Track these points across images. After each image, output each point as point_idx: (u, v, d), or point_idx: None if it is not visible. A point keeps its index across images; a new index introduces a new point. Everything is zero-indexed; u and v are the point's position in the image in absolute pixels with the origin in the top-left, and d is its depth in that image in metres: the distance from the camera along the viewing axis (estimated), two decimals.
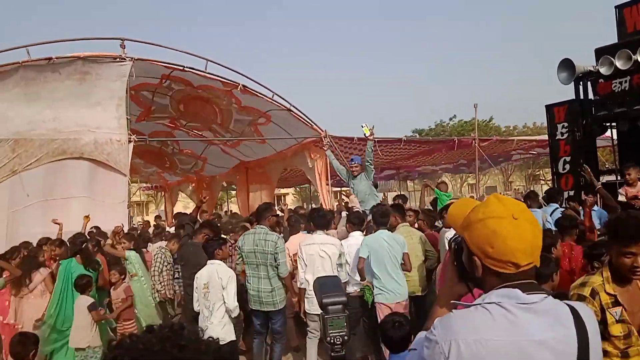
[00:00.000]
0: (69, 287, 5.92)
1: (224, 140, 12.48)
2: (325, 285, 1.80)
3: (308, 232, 6.20)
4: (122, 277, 6.25)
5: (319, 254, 5.39)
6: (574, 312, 1.37)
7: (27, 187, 7.94)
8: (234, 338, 5.01)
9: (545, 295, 1.38)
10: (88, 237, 7.14)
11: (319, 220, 5.68)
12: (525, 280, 1.39)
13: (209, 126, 12.36)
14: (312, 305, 5.28)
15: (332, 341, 1.73)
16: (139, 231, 10.69)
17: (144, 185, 25.34)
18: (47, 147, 8.06)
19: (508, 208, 1.43)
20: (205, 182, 17.54)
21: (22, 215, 7.92)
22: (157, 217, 17.71)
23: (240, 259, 5.78)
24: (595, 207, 8.41)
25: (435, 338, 1.36)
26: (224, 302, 4.86)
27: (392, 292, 5.29)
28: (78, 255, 6.21)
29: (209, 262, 5.02)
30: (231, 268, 6.36)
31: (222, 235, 6.03)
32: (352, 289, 5.66)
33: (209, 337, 1.04)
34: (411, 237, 5.91)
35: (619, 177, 9.19)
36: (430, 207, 9.18)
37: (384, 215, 5.68)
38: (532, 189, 32.91)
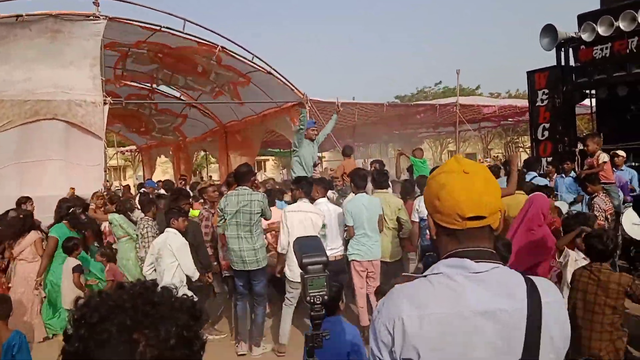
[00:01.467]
0: (60, 252, 6.01)
1: (202, 103, 12.28)
2: (306, 246, 1.77)
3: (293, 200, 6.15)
4: (105, 259, 6.17)
5: (303, 222, 5.39)
6: (530, 285, 1.30)
7: (0, 149, 7.72)
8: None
9: (496, 265, 1.32)
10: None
11: (306, 187, 5.66)
12: (476, 246, 1.34)
13: (187, 79, 12.06)
14: (293, 273, 5.32)
15: (312, 301, 1.70)
16: (120, 196, 10.45)
17: (122, 148, 24.97)
18: (19, 108, 7.82)
19: (461, 164, 1.40)
20: (183, 145, 17.31)
21: None
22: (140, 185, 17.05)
23: (222, 220, 5.71)
24: (572, 173, 8.56)
25: (379, 319, 1.34)
26: (177, 269, 5.03)
27: (367, 251, 5.64)
28: (65, 221, 6.24)
29: (165, 229, 5.22)
30: (210, 230, 6.43)
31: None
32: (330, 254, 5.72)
33: (184, 295, 1.00)
34: (388, 205, 5.95)
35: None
36: (407, 175, 9.19)
37: (363, 179, 5.90)
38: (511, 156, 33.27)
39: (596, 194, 6.30)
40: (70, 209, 6.53)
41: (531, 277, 1.34)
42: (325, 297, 1.75)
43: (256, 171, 13.12)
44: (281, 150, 21.46)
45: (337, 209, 6.00)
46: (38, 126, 7.96)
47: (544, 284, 1.33)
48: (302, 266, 1.73)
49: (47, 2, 7.99)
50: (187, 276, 5.13)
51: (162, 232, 5.57)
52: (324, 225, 5.53)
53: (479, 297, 1.26)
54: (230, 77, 10.95)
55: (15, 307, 4.55)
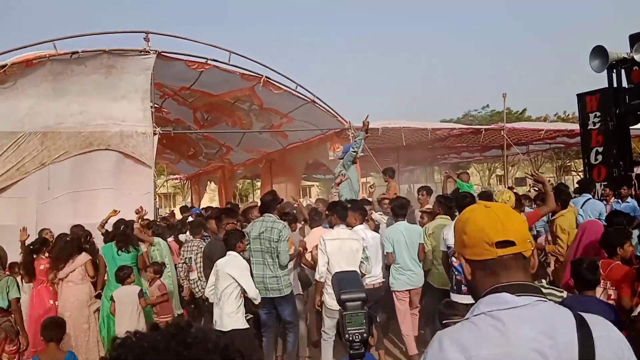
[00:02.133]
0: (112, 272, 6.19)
1: (246, 131, 12.53)
2: (344, 281, 1.74)
3: (329, 226, 6.12)
4: (158, 275, 6.33)
5: (342, 249, 5.32)
6: (579, 319, 1.26)
7: (55, 179, 8.07)
8: (243, 327, 5.02)
9: (540, 298, 1.29)
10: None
11: (341, 212, 5.60)
12: (514, 280, 1.32)
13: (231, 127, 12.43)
14: (333, 300, 5.25)
15: (350, 338, 1.67)
16: (168, 222, 10.73)
17: (171, 176, 25.70)
18: (75, 139, 8.18)
19: (481, 203, 1.47)
20: (228, 172, 17.63)
21: (51, 207, 8.05)
22: (184, 208, 17.57)
23: (248, 245, 5.73)
24: (629, 200, 8.19)
25: None
26: (240, 292, 4.99)
27: (407, 281, 5.70)
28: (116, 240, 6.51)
29: (227, 252, 5.18)
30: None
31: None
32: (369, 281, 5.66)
33: (217, 335, 1.01)
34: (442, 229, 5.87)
35: None
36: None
37: (402, 207, 5.93)
38: (562, 180, 32.28)
39: None
40: (121, 227, 6.85)
41: (580, 312, 1.30)
42: (365, 335, 1.72)
43: (301, 197, 13.16)
44: (325, 176, 21.55)
45: (375, 235, 5.94)
46: (91, 156, 8.30)
47: (593, 319, 1.29)
48: (341, 302, 1.70)
49: (100, 38, 8.39)
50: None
51: (212, 252, 5.61)
52: (364, 250, 5.44)
53: (526, 335, 1.22)
54: (271, 121, 11.16)
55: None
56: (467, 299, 5.31)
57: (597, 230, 5.13)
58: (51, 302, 6.33)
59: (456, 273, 5.47)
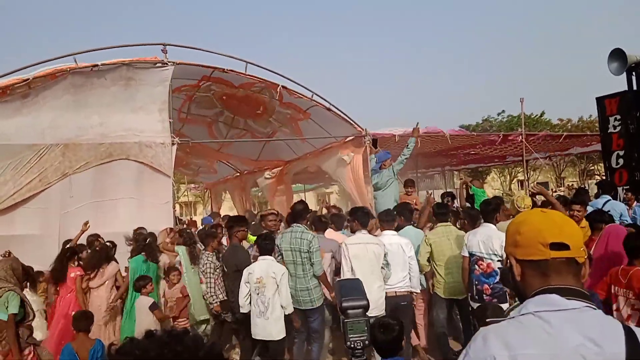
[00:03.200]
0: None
1: (265, 140, 12.58)
2: (345, 288, 1.77)
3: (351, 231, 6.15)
4: (178, 279, 6.47)
5: (366, 254, 5.35)
6: (628, 330, 1.25)
7: (77, 189, 8.24)
8: (284, 335, 5.08)
9: (589, 305, 1.29)
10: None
11: (363, 218, 5.63)
12: (564, 284, 1.33)
13: (247, 121, 12.41)
14: None
15: (352, 346, 1.70)
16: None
17: (192, 185, 25.94)
18: (95, 150, 8.35)
19: (540, 208, 1.49)
20: (243, 180, 17.75)
21: (73, 217, 8.21)
22: (215, 214, 17.61)
23: (280, 257, 5.78)
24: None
25: (469, 358, 1.33)
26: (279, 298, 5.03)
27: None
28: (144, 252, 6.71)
29: (260, 257, 5.18)
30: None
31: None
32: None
33: (212, 343, 1.04)
34: (447, 237, 5.81)
35: None
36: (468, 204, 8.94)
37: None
38: (586, 185, 31.71)
39: None
40: (147, 239, 7.07)
41: (629, 325, 1.30)
42: (367, 342, 1.74)
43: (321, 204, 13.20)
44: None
45: (402, 240, 5.88)
46: (111, 167, 8.45)
47: None
48: (342, 310, 1.73)
49: (119, 51, 8.57)
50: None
51: (239, 260, 5.63)
52: (386, 254, 5.43)
53: (574, 339, 1.23)
54: (291, 114, 11.19)
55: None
56: None
57: (621, 235, 5.05)
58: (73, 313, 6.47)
59: (476, 282, 5.41)
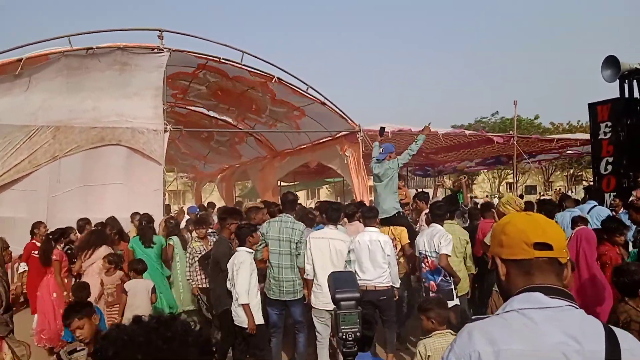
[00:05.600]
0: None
1: (259, 131, 12.56)
2: (339, 280, 1.77)
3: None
4: (113, 266, 6.24)
5: (328, 248, 5.36)
6: (608, 330, 1.29)
7: (66, 173, 8.18)
8: (261, 322, 5.04)
9: (571, 304, 1.33)
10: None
11: (331, 213, 5.63)
12: (548, 283, 1.36)
13: (244, 115, 12.40)
14: (318, 300, 5.26)
15: (344, 337, 1.70)
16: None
17: (181, 174, 25.86)
18: (87, 134, 8.29)
19: (525, 212, 1.54)
20: (231, 172, 17.81)
21: (61, 201, 8.16)
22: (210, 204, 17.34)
23: (263, 245, 5.73)
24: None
25: (452, 355, 1.35)
26: (258, 287, 5.04)
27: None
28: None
29: (238, 247, 5.15)
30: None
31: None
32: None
33: (201, 329, 1.04)
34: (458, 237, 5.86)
35: None
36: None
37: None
38: (573, 190, 32.02)
39: None
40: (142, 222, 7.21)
41: (609, 325, 1.33)
42: (358, 334, 1.75)
43: (309, 198, 13.25)
44: (334, 179, 21.61)
45: (381, 237, 5.82)
46: (102, 151, 8.40)
47: (622, 333, 1.31)
48: (335, 301, 1.73)
49: (114, 35, 8.48)
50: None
51: (219, 255, 5.61)
52: (349, 251, 5.42)
53: (555, 336, 1.26)
54: (285, 112, 11.19)
55: None
56: None
57: (592, 237, 5.19)
58: (54, 294, 6.44)
59: (424, 279, 5.51)
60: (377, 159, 7.49)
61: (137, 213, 7.80)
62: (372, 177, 8.15)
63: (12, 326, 4.96)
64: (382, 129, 9.10)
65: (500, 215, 5.77)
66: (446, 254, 5.28)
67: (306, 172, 17.50)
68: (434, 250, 5.40)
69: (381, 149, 7.61)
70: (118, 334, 0.97)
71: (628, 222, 7.75)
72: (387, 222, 6.75)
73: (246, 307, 4.90)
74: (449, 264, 5.31)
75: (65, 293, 6.43)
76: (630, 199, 7.72)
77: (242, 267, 4.93)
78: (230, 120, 13.66)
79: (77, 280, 6.45)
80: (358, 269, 5.47)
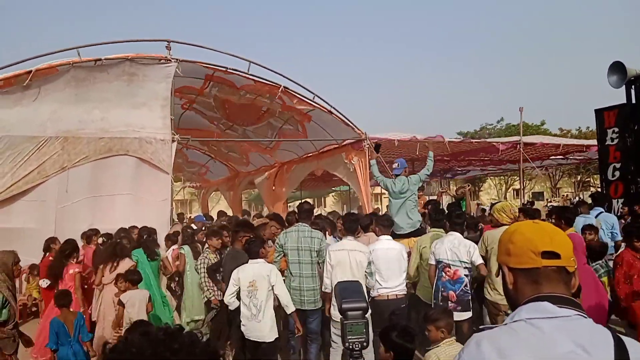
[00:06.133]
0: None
1: (263, 140, 12.60)
2: (346, 290, 1.80)
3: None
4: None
5: (349, 261, 5.33)
6: (617, 339, 1.28)
7: (74, 183, 8.23)
8: (277, 336, 5.07)
9: (579, 313, 1.32)
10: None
11: (350, 225, 5.64)
12: (555, 292, 1.36)
13: (246, 129, 12.48)
14: (336, 311, 5.24)
15: (350, 347, 1.72)
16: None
17: (189, 184, 25.99)
18: (95, 145, 8.35)
19: (532, 220, 1.52)
20: (237, 180, 17.85)
21: (69, 212, 8.21)
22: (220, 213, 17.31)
23: (280, 256, 5.72)
24: None
25: None
26: (275, 299, 4.99)
27: None
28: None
29: (251, 260, 5.09)
30: None
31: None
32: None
33: (208, 340, 1.05)
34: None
35: None
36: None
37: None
38: (581, 196, 31.84)
39: None
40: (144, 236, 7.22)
41: (618, 334, 1.32)
42: (365, 344, 1.77)
43: (316, 207, 13.27)
44: (341, 187, 21.65)
45: (398, 246, 5.86)
46: (110, 162, 8.46)
47: (631, 341, 1.30)
48: (342, 312, 1.76)
49: (122, 46, 8.57)
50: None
51: (239, 264, 5.61)
52: (370, 263, 5.43)
53: (564, 346, 1.25)
54: (292, 115, 11.23)
55: (106, 335, 5.68)
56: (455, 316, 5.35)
57: (580, 242, 5.23)
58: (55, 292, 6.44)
59: (442, 289, 5.45)
60: (395, 174, 7.63)
61: (135, 227, 7.81)
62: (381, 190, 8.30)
63: (19, 342, 4.99)
64: (378, 145, 9.19)
65: (495, 221, 5.77)
66: (483, 263, 5.28)
67: (312, 180, 17.52)
68: (459, 260, 5.33)
69: (396, 164, 7.77)
70: (125, 347, 0.98)
71: None
72: (416, 234, 6.88)
73: (294, 315, 5.09)
74: (487, 271, 5.33)
75: (82, 309, 6.39)
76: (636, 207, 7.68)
77: (278, 278, 4.99)
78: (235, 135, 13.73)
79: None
80: (379, 278, 5.50)
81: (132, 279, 5.94)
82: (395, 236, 6.55)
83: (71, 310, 5.40)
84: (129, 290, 5.86)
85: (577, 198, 31.23)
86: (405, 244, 6.31)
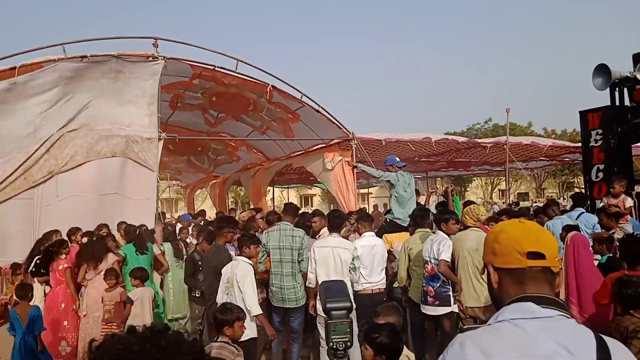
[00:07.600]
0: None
1: (252, 139, 12.56)
2: (330, 290, 1.80)
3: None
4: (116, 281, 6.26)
5: (332, 257, 5.37)
6: (599, 340, 1.29)
7: (61, 183, 8.12)
8: (255, 335, 5.00)
9: (563, 314, 1.34)
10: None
11: (334, 221, 5.67)
12: (540, 293, 1.37)
13: (239, 117, 12.41)
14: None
15: (334, 347, 1.73)
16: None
17: (174, 182, 25.86)
18: (81, 145, 8.24)
19: (518, 219, 1.52)
20: (222, 180, 17.85)
21: (54, 210, 8.09)
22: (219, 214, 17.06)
23: (264, 256, 5.73)
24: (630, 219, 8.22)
25: None
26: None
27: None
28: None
29: (233, 257, 5.10)
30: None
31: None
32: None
33: (194, 339, 1.06)
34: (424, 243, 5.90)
35: None
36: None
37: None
38: (565, 197, 32.18)
39: (614, 230, 6.14)
40: (136, 231, 7.21)
41: (600, 334, 1.33)
42: (349, 344, 1.77)
43: (302, 206, 13.29)
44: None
45: (382, 242, 5.98)
46: (96, 161, 8.37)
47: (613, 342, 1.31)
48: (326, 311, 1.76)
49: (109, 43, 8.49)
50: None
51: (219, 262, 5.52)
52: (354, 259, 5.46)
53: (548, 346, 1.26)
54: (280, 114, 11.20)
55: (90, 331, 5.90)
56: (431, 310, 5.40)
57: (587, 242, 5.26)
58: (62, 305, 6.40)
59: (423, 285, 5.56)
60: (398, 166, 8.02)
61: (124, 222, 7.77)
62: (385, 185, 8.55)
63: None
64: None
65: (463, 224, 5.88)
66: (445, 260, 5.33)
67: (298, 174, 17.57)
68: (434, 257, 5.45)
69: (397, 159, 8.13)
70: (112, 344, 0.99)
71: None
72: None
73: (261, 317, 4.88)
74: (448, 270, 5.35)
75: (77, 302, 6.39)
76: (601, 204, 7.79)
77: (247, 278, 4.86)
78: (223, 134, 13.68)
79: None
80: (364, 272, 5.58)
81: (140, 276, 5.94)
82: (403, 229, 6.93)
83: (30, 304, 5.59)
84: (138, 287, 5.86)
85: (561, 199, 31.60)
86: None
